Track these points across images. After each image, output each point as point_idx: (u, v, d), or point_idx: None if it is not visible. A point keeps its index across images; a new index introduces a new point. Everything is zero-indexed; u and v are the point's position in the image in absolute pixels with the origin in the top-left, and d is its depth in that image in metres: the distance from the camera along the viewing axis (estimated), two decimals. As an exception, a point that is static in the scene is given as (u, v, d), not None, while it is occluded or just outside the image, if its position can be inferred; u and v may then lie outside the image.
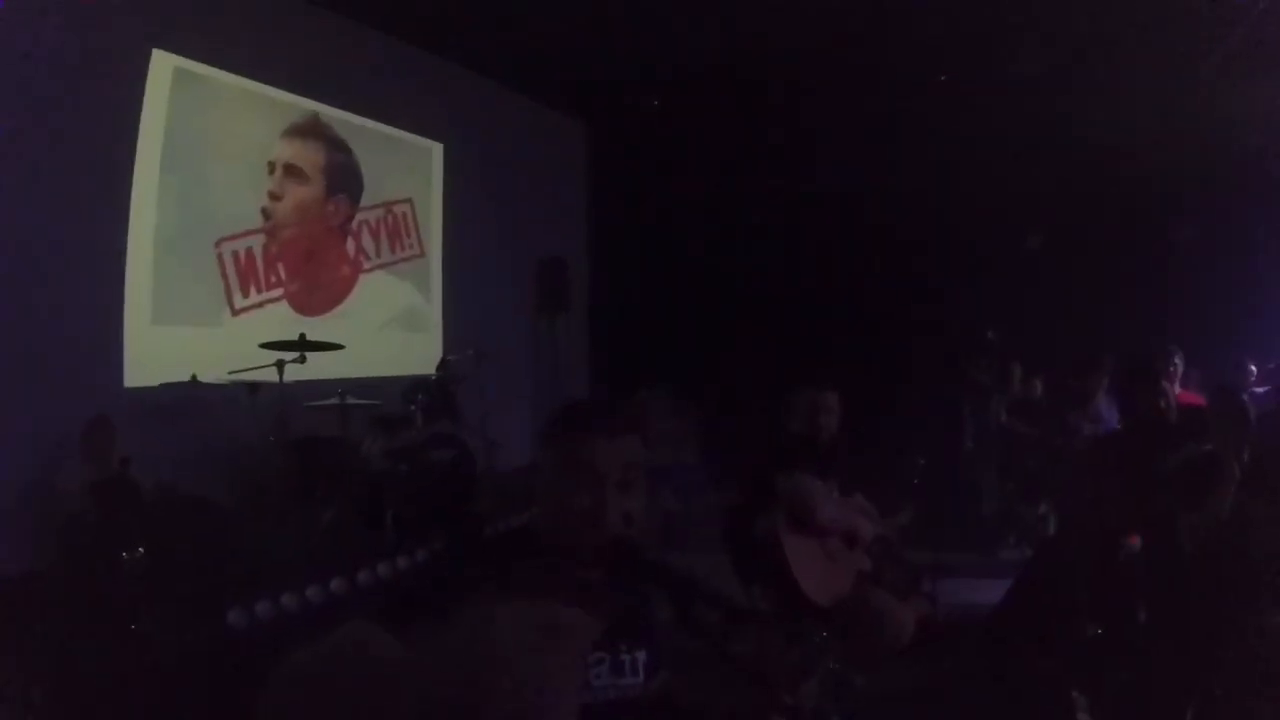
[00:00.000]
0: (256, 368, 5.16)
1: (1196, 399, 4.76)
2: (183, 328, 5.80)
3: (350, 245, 7.27)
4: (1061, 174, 7.97)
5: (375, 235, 7.50)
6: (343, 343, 5.56)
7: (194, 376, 5.28)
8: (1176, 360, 4.66)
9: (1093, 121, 7.39)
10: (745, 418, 5.77)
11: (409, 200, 7.86)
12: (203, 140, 5.97)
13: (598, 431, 1.49)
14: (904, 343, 8.28)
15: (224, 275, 6.09)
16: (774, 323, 8.72)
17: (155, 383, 5.38)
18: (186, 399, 5.28)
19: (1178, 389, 4.59)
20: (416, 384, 6.27)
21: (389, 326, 7.60)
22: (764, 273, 9.03)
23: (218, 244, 6.04)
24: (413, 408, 6.01)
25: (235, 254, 6.15)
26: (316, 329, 5.86)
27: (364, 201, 7.37)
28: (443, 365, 6.97)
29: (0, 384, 4.54)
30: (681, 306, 9.06)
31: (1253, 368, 6.61)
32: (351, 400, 5.73)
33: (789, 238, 9.02)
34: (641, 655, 1.54)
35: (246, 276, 6.24)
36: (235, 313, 6.15)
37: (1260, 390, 6.21)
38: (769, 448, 3.95)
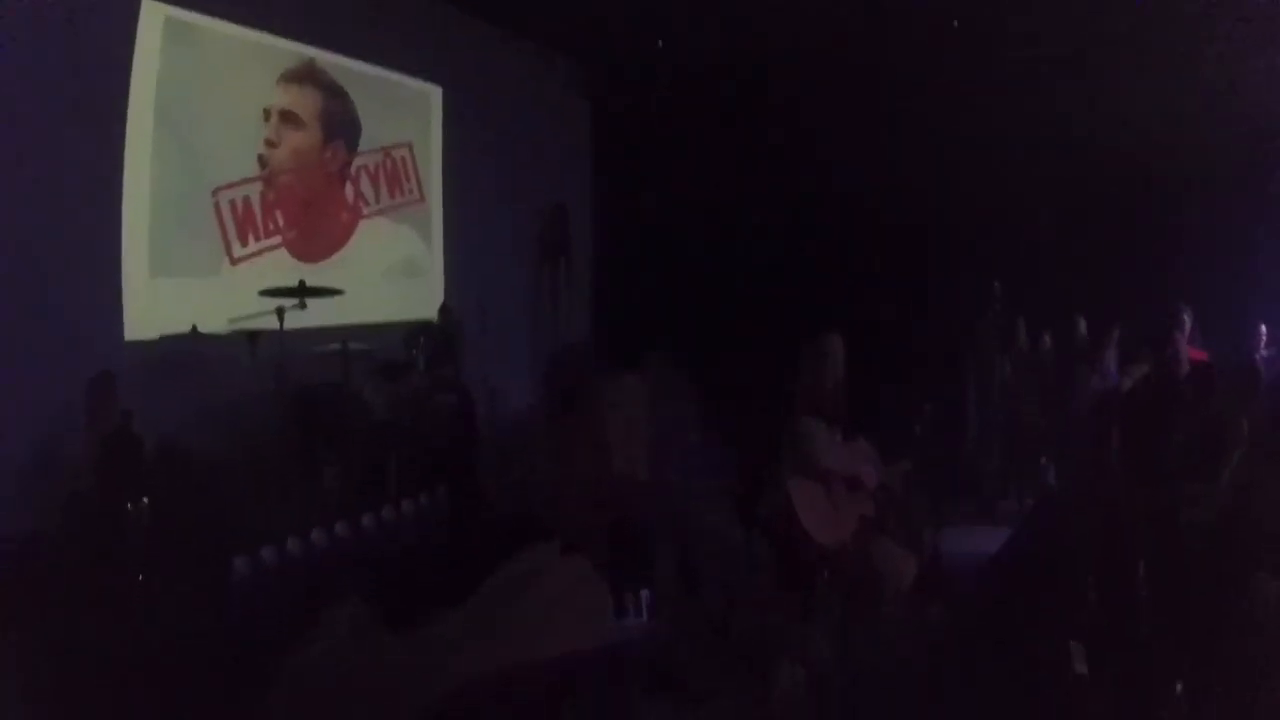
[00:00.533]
0: (257, 315, 5.14)
1: (1203, 355, 4.75)
2: (182, 279, 5.73)
3: (349, 191, 7.16)
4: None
5: (374, 181, 7.38)
6: (343, 289, 5.53)
7: (194, 327, 5.26)
8: (1185, 317, 4.65)
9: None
10: (748, 370, 5.75)
11: (408, 145, 7.72)
12: (196, 89, 5.81)
13: (597, 398, 1.48)
14: (911, 293, 8.19)
15: (221, 224, 6.00)
16: (780, 270, 8.62)
17: (155, 335, 5.35)
18: (188, 350, 5.26)
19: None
20: (419, 329, 6.26)
21: (389, 273, 7.52)
22: (772, 222, 8.90)
23: (214, 193, 5.94)
24: (415, 353, 6.02)
25: (232, 203, 6.06)
26: (316, 276, 5.84)
27: (362, 146, 7.23)
28: (444, 311, 6.98)
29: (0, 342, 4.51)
30: (685, 254, 8.95)
31: (1263, 329, 6.46)
32: (353, 345, 5.72)
33: (798, 185, 8.86)
34: (645, 595, 1.55)
35: (244, 225, 6.15)
36: (234, 262, 6.08)
37: (1267, 354, 6.10)
38: (773, 396, 3.99)
